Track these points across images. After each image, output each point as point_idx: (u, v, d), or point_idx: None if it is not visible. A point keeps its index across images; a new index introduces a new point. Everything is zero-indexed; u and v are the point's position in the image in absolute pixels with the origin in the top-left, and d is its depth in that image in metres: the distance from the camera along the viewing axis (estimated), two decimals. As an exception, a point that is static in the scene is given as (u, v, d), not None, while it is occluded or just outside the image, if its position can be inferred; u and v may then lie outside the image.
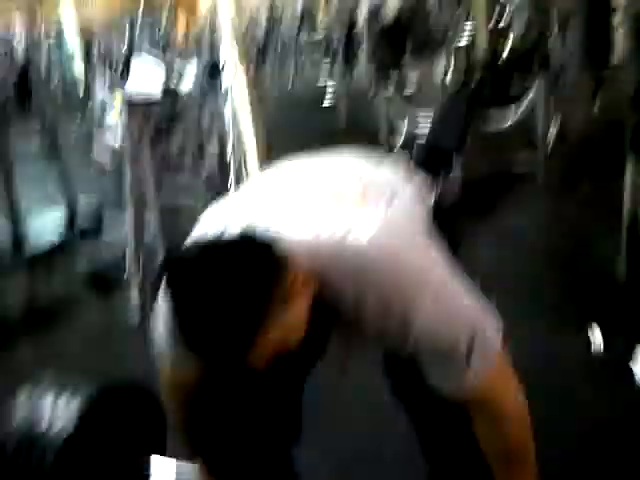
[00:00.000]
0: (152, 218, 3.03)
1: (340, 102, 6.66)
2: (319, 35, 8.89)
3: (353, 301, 1.02)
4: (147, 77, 3.24)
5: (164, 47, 7.05)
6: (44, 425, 1.42)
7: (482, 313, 1.10)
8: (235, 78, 4.10)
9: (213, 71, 4.46)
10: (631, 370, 1.99)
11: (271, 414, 1.30)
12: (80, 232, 4.16)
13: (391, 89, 5.08)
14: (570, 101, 5.63)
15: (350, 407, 1.64)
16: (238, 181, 4.06)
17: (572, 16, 5.66)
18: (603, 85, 5.25)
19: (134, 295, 2.91)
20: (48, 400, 1.46)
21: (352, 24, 7.46)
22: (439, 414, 1.24)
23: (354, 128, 6.26)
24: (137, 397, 1.58)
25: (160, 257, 2.96)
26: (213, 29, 7.76)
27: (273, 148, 4.68)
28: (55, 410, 1.44)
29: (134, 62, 3.31)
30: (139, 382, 1.52)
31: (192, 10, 8.40)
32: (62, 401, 1.45)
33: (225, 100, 4.11)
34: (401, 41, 5.45)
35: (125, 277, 3.01)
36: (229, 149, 4.08)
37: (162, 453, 1.59)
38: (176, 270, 0.94)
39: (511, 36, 7.36)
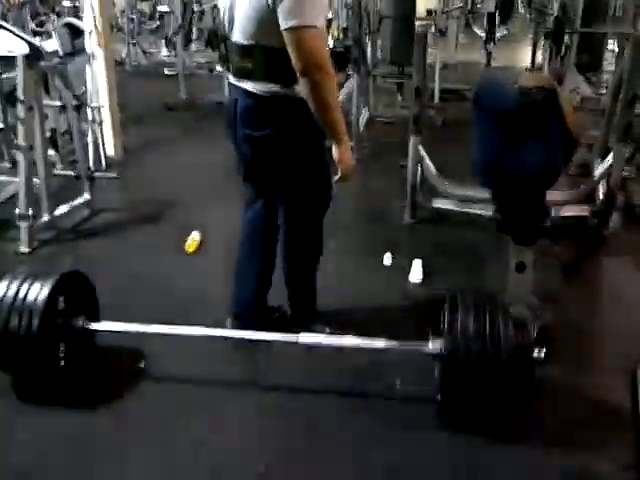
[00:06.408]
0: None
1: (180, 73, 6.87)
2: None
3: None
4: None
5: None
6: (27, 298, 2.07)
7: None
8: (97, 45, 4.57)
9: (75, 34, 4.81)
10: (407, 275, 3.06)
11: None
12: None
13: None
14: (379, 92, 6.63)
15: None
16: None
17: (384, 19, 6.63)
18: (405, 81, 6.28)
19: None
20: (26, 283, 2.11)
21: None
22: None
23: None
24: (79, 278, 2.27)
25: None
26: None
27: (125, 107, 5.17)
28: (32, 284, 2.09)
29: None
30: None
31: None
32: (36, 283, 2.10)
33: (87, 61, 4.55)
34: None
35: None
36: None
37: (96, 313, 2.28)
38: None
39: (334, 27, 8.18)
